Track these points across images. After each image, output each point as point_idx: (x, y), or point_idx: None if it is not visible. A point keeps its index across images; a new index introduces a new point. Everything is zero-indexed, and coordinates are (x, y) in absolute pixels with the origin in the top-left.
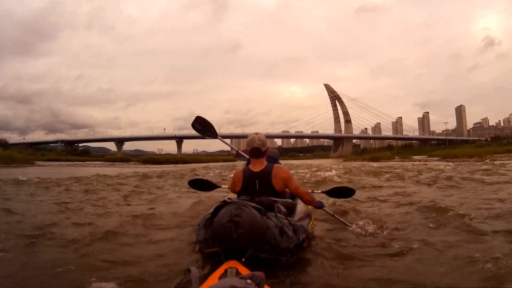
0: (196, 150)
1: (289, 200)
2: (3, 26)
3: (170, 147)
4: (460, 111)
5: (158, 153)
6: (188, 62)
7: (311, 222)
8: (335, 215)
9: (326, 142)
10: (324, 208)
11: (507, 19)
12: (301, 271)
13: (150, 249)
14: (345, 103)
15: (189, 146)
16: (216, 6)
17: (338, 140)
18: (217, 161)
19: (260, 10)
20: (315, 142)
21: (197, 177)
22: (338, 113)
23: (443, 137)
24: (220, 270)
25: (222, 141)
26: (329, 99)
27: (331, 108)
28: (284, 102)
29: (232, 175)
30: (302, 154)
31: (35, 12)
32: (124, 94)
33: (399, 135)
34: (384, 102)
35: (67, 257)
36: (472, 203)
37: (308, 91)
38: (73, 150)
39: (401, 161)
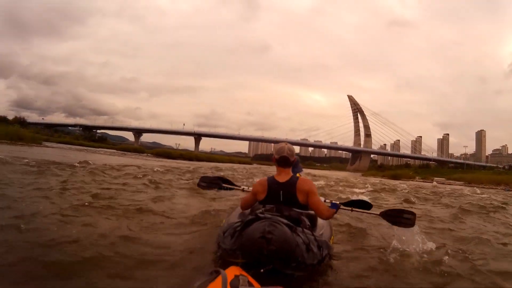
0: (214, 148)
1: (312, 212)
2: (33, 5)
3: (187, 142)
4: (480, 136)
5: (175, 147)
6: (214, 59)
7: (332, 237)
8: (353, 209)
9: (344, 154)
10: (341, 206)
11: None
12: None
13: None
14: (367, 117)
15: (207, 144)
16: (247, 5)
17: (356, 154)
18: (232, 162)
19: (292, 13)
20: (333, 153)
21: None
22: (359, 126)
23: (461, 161)
24: (229, 276)
25: (228, 188)
26: (351, 111)
27: (352, 120)
28: (306, 109)
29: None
30: (319, 164)
31: None
32: (147, 85)
33: (417, 155)
34: (405, 119)
35: None
36: None
37: (331, 100)
38: (91, 136)
39: (422, 181)
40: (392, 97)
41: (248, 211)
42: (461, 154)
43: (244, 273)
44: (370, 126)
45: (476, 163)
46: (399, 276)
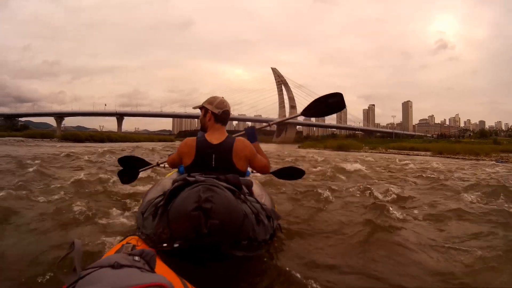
0: (138, 128)
1: (249, 179)
2: None
3: (112, 124)
4: (407, 107)
5: (99, 130)
6: (135, 37)
7: (275, 206)
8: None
9: (268, 127)
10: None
11: (464, 27)
12: (275, 265)
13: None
14: (292, 89)
15: (131, 124)
16: None
17: (281, 126)
18: (152, 140)
19: None
20: (257, 125)
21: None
22: (283, 98)
23: (389, 130)
24: (117, 246)
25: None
26: (275, 84)
27: (276, 93)
28: (228, 84)
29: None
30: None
31: None
32: (70, 67)
33: (343, 125)
34: (329, 91)
35: None
36: None
37: (253, 75)
38: (13, 125)
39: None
40: (315, 71)
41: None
42: (388, 124)
43: (140, 243)
44: (295, 98)
45: (404, 132)
46: (354, 246)
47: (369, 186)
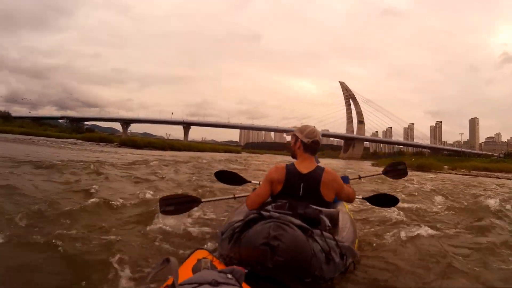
0: (205, 138)
1: (334, 210)
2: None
3: (179, 132)
4: (473, 124)
5: (166, 137)
6: (204, 48)
7: (357, 240)
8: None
9: (335, 141)
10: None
11: None
12: None
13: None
14: (360, 104)
15: (198, 134)
16: None
17: (349, 141)
18: (217, 150)
19: (282, 1)
20: (324, 141)
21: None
22: (351, 113)
23: (457, 149)
24: (192, 260)
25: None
26: (343, 98)
27: (343, 107)
28: (296, 97)
29: None
30: None
31: None
32: (138, 75)
33: (410, 142)
34: (396, 106)
35: None
36: None
37: (321, 88)
38: (78, 128)
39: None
40: (382, 85)
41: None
42: (454, 142)
43: (211, 256)
44: (363, 113)
45: (471, 150)
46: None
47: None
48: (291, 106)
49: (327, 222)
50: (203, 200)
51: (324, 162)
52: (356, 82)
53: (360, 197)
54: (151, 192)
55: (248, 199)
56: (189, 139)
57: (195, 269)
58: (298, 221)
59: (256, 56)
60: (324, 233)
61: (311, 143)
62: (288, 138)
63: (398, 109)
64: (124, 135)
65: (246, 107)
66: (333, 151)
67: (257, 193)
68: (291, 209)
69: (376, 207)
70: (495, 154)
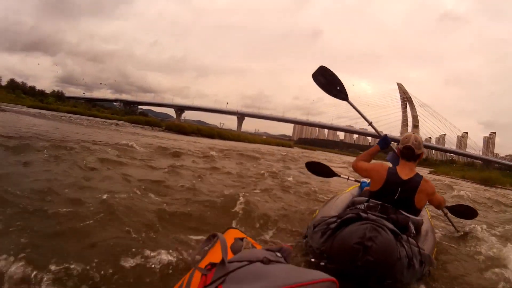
0: (258, 130)
1: (420, 219)
2: None
3: (233, 122)
4: None
5: (219, 126)
6: (264, 42)
7: (435, 249)
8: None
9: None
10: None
11: None
12: None
13: None
14: (416, 107)
15: (251, 125)
16: None
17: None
18: (268, 143)
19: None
20: (377, 141)
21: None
22: (407, 116)
23: (509, 163)
24: (228, 239)
25: (353, 106)
26: (399, 100)
27: (398, 110)
28: (352, 97)
29: None
30: (362, 152)
31: None
32: (196, 64)
33: (462, 151)
34: (450, 114)
35: None
36: None
37: (378, 89)
38: (131, 111)
39: None
40: (439, 91)
41: (345, 205)
42: (506, 155)
43: (245, 236)
44: (418, 118)
45: None
46: None
47: None
48: (346, 105)
49: (413, 229)
50: (340, 174)
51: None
52: (412, 86)
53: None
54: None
55: (358, 158)
56: (242, 130)
57: (234, 248)
58: (391, 226)
59: (315, 53)
60: (410, 239)
61: (403, 149)
62: (341, 136)
63: (452, 117)
64: (178, 121)
65: (302, 103)
66: (384, 154)
67: (363, 164)
68: (384, 213)
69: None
70: None
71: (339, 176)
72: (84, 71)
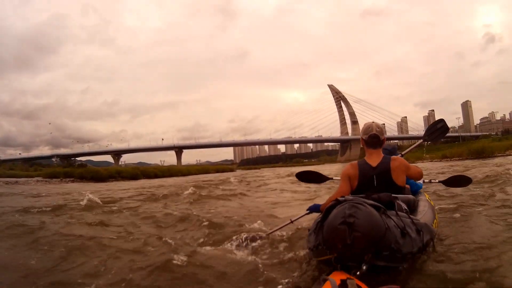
0: (199, 160)
1: (411, 196)
2: (3, 41)
3: (173, 158)
4: (466, 107)
5: (160, 164)
6: (192, 71)
7: (435, 220)
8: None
9: (330, 146)
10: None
11: (506, 15)
12: (425, 280)
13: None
14: (351, 104)
15: (192, 157)
16: (221, 14)
17: (345, 143)
18: (207, 172)
19: (262, 16)
20: (319, 147)
21: None
22: (343, 114)
23: (456, 134)
24: (336, 281)
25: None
26: (333, 101)
27: (334, 111)
28: (287, 108)
29: None
30: (306, 160)
31: (35, 27)
32: (129, 106)
33: (405, 135)
34: (386, 103)
35: None
36: None
37: (311, 96)
38: (70, 165)
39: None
40: (372, 84)
41: None
42: (450, 128)
43: (350, 276)
44: (356, 113)
45: (470, 134)
46: None
47: None
48: (282, 118)
49: (404, 206)
50: (333, 177)
51: (322, 168)
52: (345, 85)
53: (437, 180)
54: None
55: (330, 199)
56: (183, 163)
57: None
58: (370, 201)
59: (244, 73)
60: (399, 212)
61: (368, 138)
62: (282, 149)
63: (390, 105)
64: (116, 166)
65: (237, 124)
66: (329, 156)
67: (338, 192)
68: (366, 198)
69: (457, 191)
70: (492, 133)
71: (332, 179)
72: (20, 130)
